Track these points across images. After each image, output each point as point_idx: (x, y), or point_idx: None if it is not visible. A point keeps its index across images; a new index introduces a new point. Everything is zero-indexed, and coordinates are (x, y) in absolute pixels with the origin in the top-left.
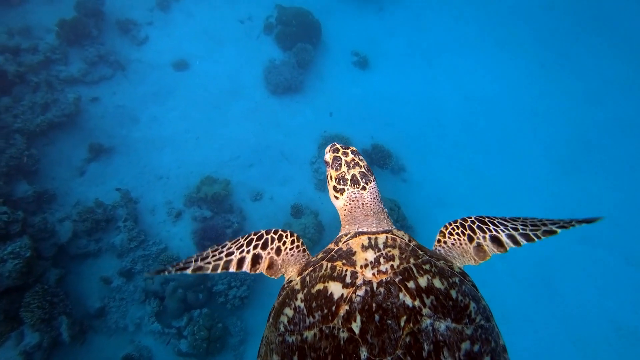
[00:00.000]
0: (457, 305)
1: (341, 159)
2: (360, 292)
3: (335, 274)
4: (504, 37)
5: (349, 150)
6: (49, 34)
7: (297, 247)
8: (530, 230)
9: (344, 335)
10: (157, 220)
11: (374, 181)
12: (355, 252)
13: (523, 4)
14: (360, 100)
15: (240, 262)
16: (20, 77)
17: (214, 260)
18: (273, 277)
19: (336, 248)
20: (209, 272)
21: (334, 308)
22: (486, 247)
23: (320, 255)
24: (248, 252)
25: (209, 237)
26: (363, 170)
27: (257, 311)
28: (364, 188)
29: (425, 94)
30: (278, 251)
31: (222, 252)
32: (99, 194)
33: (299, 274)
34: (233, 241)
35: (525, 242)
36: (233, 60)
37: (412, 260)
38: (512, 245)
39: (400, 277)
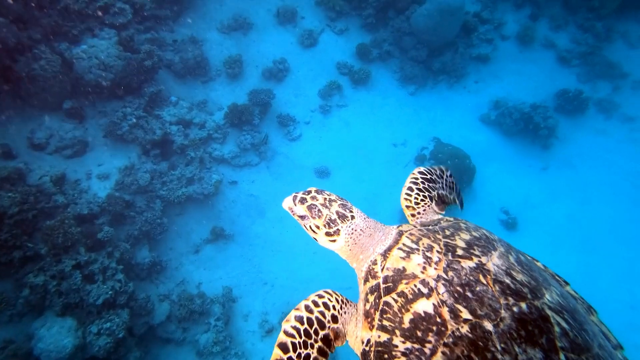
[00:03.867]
0: (485, 239)
1: (316, 205)
2: (442, 290)
3: (410, 296)
4: None
5: (314, 192)
6: (218, 111)
7: (343, 301)
8: (449, 193)
9: (465, 329)
10: (247, 327)
11: (352, 205)
12: (404, 266)
13: None
14: None
15: (322, 352)
16: (182, 149)
17: None
18: (341, 345)
19: (382, 278)
20: None
21: (438, 319)
22: (444, 200)
23: (371, 299)
24: (317, 341)
25: None
26: (340, 202)
27: None
28: (353, 217)
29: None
30: (335, 319)
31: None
32: (204, 278)
33: (370, 328)
34: (296, 343)
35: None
36: (374, 182)
37: (440, 237)
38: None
39: (450, 254)
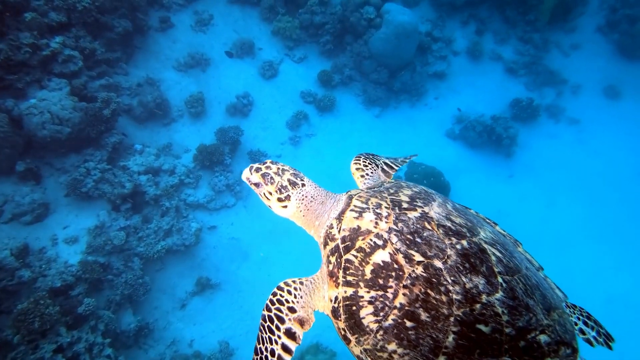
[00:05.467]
0: (425, 193)
1: (269, 173)
2: (395, 240)
3: (368, 250)
4: None
5: (269, 163)
6: (185, 154)
7: (296, 288)
8: (393, 162)
9: (419, 270)
10: None
11: (304, 175)
12: (359, 225)
13: None
14: None
15: (285, 348)
16: (156, 200)
17: None
18: (308, 329)
19: (340, 239)
20: None
21: (396, 265)
22: (388, 170)
23: (333, 260)
24: (280, 337)
25: None
26: (292, 171)
27: None
28: (303, 185)
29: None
30: (292, 310)
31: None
32: (196, 334)
33: (336, 286)
34: (261, 344)
35: (396, 169)
36: None
37: (385, 195)
38: (392, 171)
39: (397, 208)
